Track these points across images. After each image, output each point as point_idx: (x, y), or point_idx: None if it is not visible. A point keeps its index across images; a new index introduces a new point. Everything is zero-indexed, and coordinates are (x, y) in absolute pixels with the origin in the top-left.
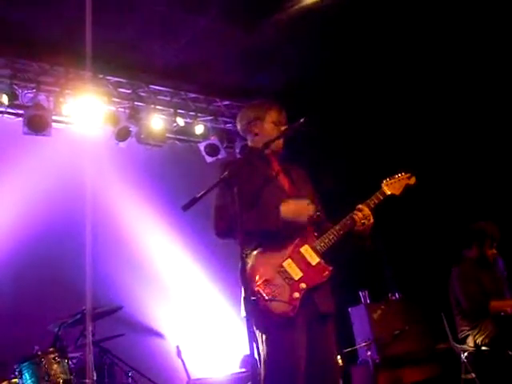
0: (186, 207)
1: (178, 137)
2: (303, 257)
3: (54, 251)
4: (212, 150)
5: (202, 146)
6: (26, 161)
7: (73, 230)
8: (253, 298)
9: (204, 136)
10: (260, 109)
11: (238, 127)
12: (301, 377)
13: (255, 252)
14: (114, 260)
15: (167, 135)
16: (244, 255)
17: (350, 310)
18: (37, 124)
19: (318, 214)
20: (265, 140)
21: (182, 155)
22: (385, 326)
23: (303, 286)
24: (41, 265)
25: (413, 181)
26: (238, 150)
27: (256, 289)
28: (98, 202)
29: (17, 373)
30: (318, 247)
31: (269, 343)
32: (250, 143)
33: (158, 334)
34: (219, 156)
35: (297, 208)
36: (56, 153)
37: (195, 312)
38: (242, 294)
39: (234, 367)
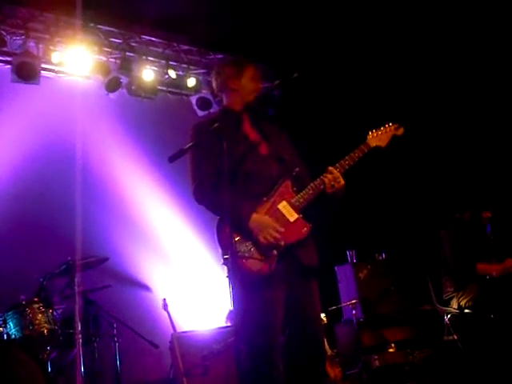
0: (172, 158)
1: (170, 89)
2: (281, 214)
3: (42, 201)
4: (204, 103)
5: (193, 100)
6: (14, 109)
7: (62, 181)
8: (225, 256)
9: (196, 89)
10: (237, 64)
11: (214, 84)
12: (275, 335)
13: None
14: (102, 212)
15: (159, 87)
16: None
17: (336, 268)
18: (25, 72)
19: (296, 169)
20: (243, 96)
21: (174, 108)
22: (370, 285)
23: (281, 243)
24: (28, 215)
25: (400, 131)
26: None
27: (232, 247)
28: (87, 153)
29: (1, 321)
30: (297, 203)
31: (244, 300)
32: (225, 100)
33: (145, 287)
34: (211, 110)
35: (264, 227)
36: (45, 102)
37: (182, 266)
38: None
39: (220, 321)
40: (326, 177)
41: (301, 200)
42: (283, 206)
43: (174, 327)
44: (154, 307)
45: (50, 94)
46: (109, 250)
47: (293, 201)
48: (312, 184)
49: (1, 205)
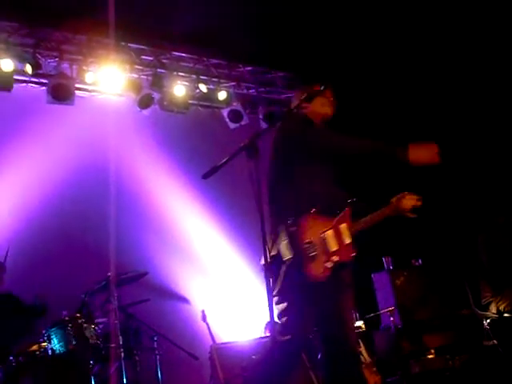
0: (206, 176)
1: (201, 103)
2: (340, 234)
3: (81, 219)
4: (235, 115)
5: (225, 112)
6: (50, 129)
7: (97, 198)
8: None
9: (227, 102)
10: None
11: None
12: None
13: (303, 216)
14: (139, 227)
15: (190, 102)
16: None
17: (373, 276)
18: (60, 93)
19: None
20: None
21: (205, 122)
22: (407, 292)
23: (336, 258)
24: (68, 232)
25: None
26: (261, 116)
27: (301, 246)
28: (121, 169)
29: (45, 337)
30: (353, 229)
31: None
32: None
33: (184, 299)
34: (242, 122)
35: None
36: (80, 121)
37: (220, 277)
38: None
39: (258, 332)
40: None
41: (356, 227)
42: (343, 228)
43: (213, 338)
44: (193, 319)
45: (84, 112)
46: (147, 264)
47: (350, 227)
48: (368, 218)
49: (40, 223)
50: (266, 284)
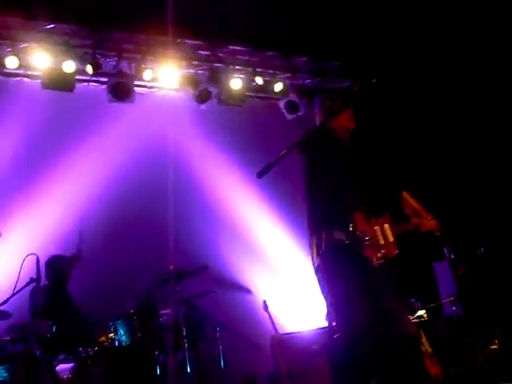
0: (260, 174)
1: (258, 95)
2: (385, 231)
3: (145, 213)
4: (292, 107)
5: (281, 104)
6: (111, 125)
7: (158, 192)
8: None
9: (283, 93)
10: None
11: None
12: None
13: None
14: (198, 220)
15: (247, 94)
16: None
17: (434, 265)
18: (120, 91)
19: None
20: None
21: (262, 114)
22: (469, 281)
23: (383, 251)
24: (132, 227)
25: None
26: (316, 106)
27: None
28: (180, 163)
29: (112, 329)
30: (394, 230)
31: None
32: None
33: (246, 290)
34: (299, 113)
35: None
36: (139, 117)
37: (281, 268)
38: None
39: (320, 322)
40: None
41: (398, 228)
42: (387, 227)
43: (275, 328)
44: (255, 309)
45: (143, 108)
46: (209, 257)
47: (393, 227)
48: (408, 223)
49: (104, 217)
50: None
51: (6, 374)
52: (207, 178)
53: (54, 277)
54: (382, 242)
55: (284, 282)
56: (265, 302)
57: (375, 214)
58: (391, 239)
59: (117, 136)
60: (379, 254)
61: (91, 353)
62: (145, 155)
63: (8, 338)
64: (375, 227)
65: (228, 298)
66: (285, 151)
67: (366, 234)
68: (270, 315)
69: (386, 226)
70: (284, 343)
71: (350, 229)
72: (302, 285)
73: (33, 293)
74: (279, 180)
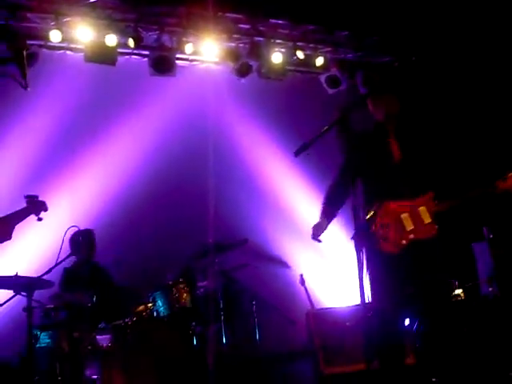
0: (297, 152)
1: (299, 69)
2: (419, 215)
3: (184, 187)
4: (333, 81)
5: (322, 78)
6: (152, 98)
7: (199, 165)
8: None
9: (324, 68)
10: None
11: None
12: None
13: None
14: (237, 194)
15: (287, 68)
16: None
17: (473, 245)
18: (161, 64)
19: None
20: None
21: (303, 88)
22: (507, 261)
23: (411, 236)
24: (171, 201)
25: None
26: (359, 81)
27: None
28: (221, 137)
29: (151, 300)
30: (433, 210)
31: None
32: None
33: (283, 264)
34: (340, 87)
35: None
36: (180, 90)
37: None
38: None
39: (356, 299)
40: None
41: (437, 208)
42: (422, 210)
43: (311, 302)
44: (292, 283)
45: (184, 82)
46: (247, 230)
47: (431, 209)
48: (448, 202)
49: (146, 190)
50: (357, 256)
51: (49, 341)
52: (247, 152)
53: (85, 250)
54: (410, 228)
55: (322, 258)
56: (301, 276)
57: (412, 197)
58: (427, 221)
59: (158, 108)
60: (404, 241)
61: (130, 323)
62: (185, 128)
63: (51, 307)
64: (402, 215)
65: (266, 271)
66: (323, 130)
67: (385, 225)
68: (306, 289)
69: (422, 208)
70: (319, 318)
71: (367, 216)
72: (340, 262)
73: (64, 272)
74: (319, 155)
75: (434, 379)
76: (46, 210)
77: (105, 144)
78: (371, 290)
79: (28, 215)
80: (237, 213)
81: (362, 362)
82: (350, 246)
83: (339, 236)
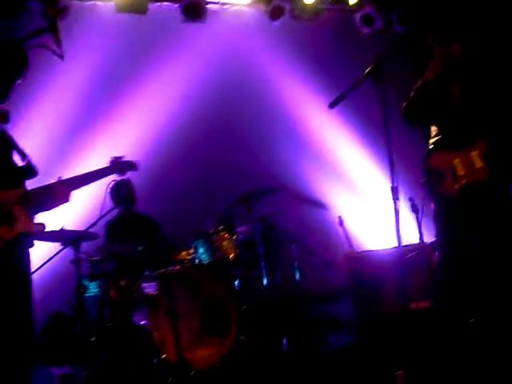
0: (332, 105)
1: (332, 8)
2: (471, 160)
3: (220, 131)
4: (367, 20)
5: (357, 17)
6: (185, 46)
7: (234, 111)
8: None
9: (359, 5)
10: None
11: None
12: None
13: (435, 145)
14: (275, 137)
15: (320, 7)
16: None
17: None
18: (193, 10)
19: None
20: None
21: (337, 27)
22: None
23: (463, 181)
24: (210, 145)
25: None
26: (395, 19)
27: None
28: (255, 81)
29: (192, 247)
30: (485, 154)
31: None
32: None
33: (321, 205)
34: (375, 26)
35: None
36: (212, 35)
37: (359, 185)
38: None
39: (393, 241)
40: None
41: (490, 153)
42: (475, 155)
43: (350, 244)
44: (330, 225)
45: (215, 26)
46: (286, 173)
47: (483, 153)
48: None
49: (182, 136)
50: (394, 204)
51: (97, 290)
52: (282, 96)
53: (127, 200)
54: (462, 173)
55: (360, 200)
56: (340, 217)
57: (465, 141)
58: (479, 165)
59: (190, 55)
60: (457, 186)
61: (174, 271)
62: (219, 74)
63: (98, 258)
64: (455, 160)
65: (304, 214)
66: (358, 80)
67: (439, 170)
68: (345, 230)
69: (474, 153)
70: (358, 261)
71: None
72: (378, 203)
73: (107, 225)
74: (356, 98)
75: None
76: (135, 169)
77: (140, 93)
78: (436, 235)
79: (108, 175)
80: (274, 158)
81: (400, 304)
82: (387, 187)
83: (378, 177)
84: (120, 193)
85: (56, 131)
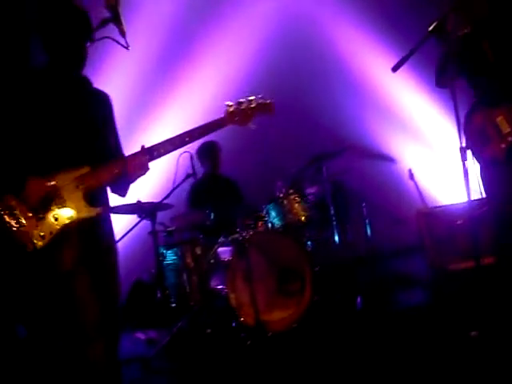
0: (395, 68)
1: None
2: (496, 125)
3: (290, 94)
4: None
5: None
6: (254, 5)
7: (304, 73)
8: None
9: None
10: None
11: None
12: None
13: (477, 103)
14: (339, 95)
15: None
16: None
17: None
18: None
19: None
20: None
21: None
22: None
23: (510, 139)
24: (281, 107)
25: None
26: None
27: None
28: (325, 42)
29: (264, 212)
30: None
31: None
32: None
33: (391, 159)
34: None
35: None
36: None
37: (428, 137)
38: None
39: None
40: None
41: None
42: (500, 120)
43: (421, 198)
44: (400, 179)
45: None
46: (354, 130)
47: (508, 117)
48: None
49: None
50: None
51: (174, 257)
52: (352, 55)
53: (212, 162)
54: (507, 131)
55: (430, 152)
56: (410, 170)
57: (508, 97)
58: (505, 131)
59: (260, 13)
60: (503, 145)
61: (247, 236)
62: (284, 32)
63: (173, 227)
64: (498, 118)
65: (374, 171)
66: (418, 43)
67: (482, 130)
68: (416, 184)
69: (500, 118)
70: (430, 216)
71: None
72: (449, 156)
73: (191, 187)
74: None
75: None
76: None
77: (208, 53)
78: (486, 195)
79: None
80: (341, 117)
81: (473, 259)
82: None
83: (447, 128)
84: (210, 154)
85: (126, 99)
